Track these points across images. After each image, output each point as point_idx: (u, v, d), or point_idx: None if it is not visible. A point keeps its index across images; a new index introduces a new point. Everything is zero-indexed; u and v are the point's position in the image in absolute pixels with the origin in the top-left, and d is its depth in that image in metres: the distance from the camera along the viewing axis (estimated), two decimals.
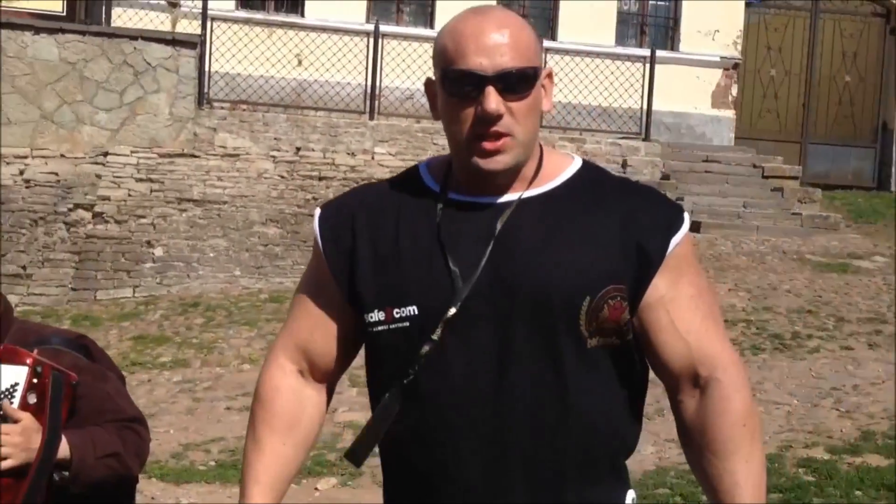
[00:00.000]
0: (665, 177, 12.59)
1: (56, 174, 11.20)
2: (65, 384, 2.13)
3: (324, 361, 1.72)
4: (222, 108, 11.92)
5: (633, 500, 1.72)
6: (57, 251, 10.61)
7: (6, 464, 2.01)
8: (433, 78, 1.66)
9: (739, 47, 14.41)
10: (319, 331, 1.71)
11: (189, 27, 12.31)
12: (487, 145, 1.58)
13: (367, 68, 12.36)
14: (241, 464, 1.78)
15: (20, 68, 11.39)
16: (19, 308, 9.74)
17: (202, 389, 7.36)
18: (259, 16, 13.18)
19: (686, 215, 1.70)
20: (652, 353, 1.67)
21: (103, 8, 11.99)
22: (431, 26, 14.09)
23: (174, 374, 7.75)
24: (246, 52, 12.24)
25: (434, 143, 12.16)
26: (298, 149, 11.58)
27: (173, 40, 11.54)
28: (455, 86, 1.58)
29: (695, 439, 1.66)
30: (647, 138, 13.05)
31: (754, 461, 1.63)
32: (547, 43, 13.30)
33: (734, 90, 14.42)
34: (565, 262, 1.59)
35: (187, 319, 9.19)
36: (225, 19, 12.38)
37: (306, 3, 13.62)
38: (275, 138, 11.59)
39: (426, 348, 1.59)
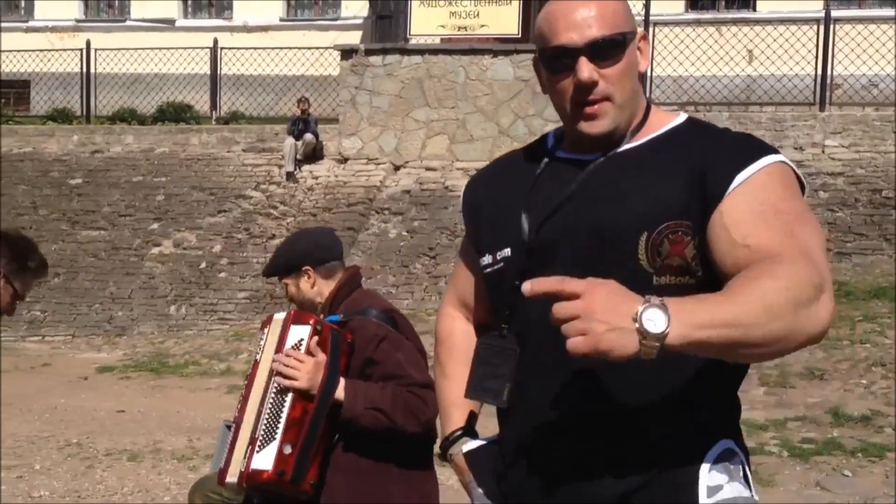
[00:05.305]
0: None
1: None
2: (342, 341, 2.71)
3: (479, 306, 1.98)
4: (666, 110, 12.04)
5: (725, 450, 1.69)
6: None
7: (295, 384, 2.62)
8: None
9: None
10: (471, 282, 1.98)
11: None
12: (588, 110, 1.71)
13: (816, 57, 11.63)
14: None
15: (481, 89, 12.54)
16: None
17: None
18: (708, 15, 13.06)
19: (771, 156, 1.64)
20: (718, 272, 1.60)
21: None
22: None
23: None
24: (688, 54, 12.20)
25: (895, 131, 11.04)
26: None
27: None
28: (552, 62, 1.74)
29: None
30: None
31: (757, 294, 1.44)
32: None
33: None
34: (626, 202, 1.67)
35: None
36: (666, 23, 12.47)
37: None
38: None
39: (514, 285, 1.74)
